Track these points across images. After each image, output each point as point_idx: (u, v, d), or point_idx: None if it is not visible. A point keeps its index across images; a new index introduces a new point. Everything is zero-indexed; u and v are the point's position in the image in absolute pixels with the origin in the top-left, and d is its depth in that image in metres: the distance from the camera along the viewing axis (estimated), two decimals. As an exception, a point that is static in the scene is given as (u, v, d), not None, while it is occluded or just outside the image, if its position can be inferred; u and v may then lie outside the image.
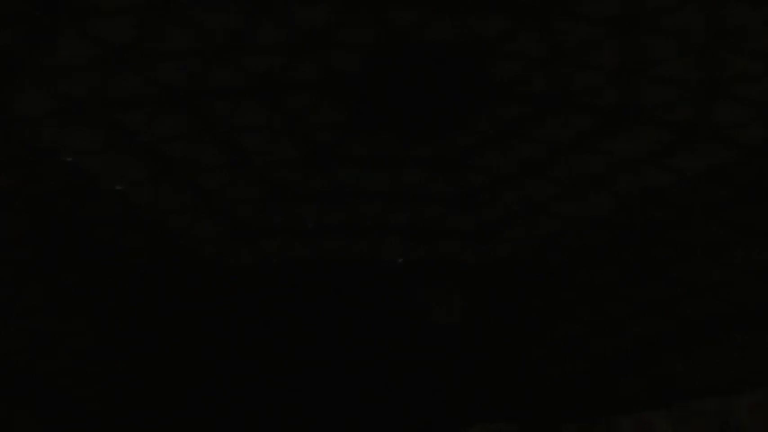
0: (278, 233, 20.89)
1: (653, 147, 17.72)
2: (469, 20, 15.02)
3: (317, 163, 18.70)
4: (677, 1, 14.06)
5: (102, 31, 14.14)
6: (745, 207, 18.90)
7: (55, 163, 16.69)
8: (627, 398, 22.94)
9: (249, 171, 18.57)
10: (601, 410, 22.46)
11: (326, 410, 24.40)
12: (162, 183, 18.22)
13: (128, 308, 21.77)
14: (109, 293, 20.94)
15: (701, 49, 15.09)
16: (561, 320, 24.10)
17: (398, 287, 22.92)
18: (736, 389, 19.94)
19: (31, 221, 17.71)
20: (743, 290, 21.35)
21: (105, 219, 18.76)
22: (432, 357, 24.61)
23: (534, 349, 25.15)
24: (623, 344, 24.07)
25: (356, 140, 18.10)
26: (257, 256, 21.63)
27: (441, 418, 24.34)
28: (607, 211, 19.87)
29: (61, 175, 17.00)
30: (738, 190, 18.54)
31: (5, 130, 15.45)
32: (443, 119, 17.49)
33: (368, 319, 23.97)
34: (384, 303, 23.57)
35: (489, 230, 21.10)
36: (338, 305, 23.79)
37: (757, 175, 17.95)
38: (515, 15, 14.94)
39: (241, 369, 24.45)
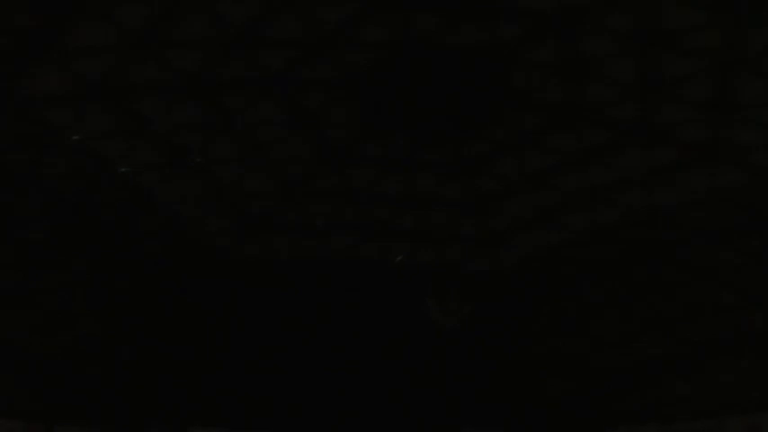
0: (287, 229, 20.91)
1: (664, 164, 17.69)
2: (487, 26, 14.97)
3: (328, 161, 18.70)
4: (696, 19, 13.96)
5: (120, 15, 14.22)
6: (753, 230, 18.80)
7: (67, 146, 16.80)
8: (622, 413, 22.90)
9: (261, 165, 18.61)
10: (595, 423, 22.50)
11: (326, 408, 24.53)
12: (174, 172, 18.32)
13: (136, 298, 21.93)
14: (117, 281, 21.10)
15: (718, 69, 15.04)
16: (562, 331, 24.04)
17: (402, 290, 22.95)
18: (730, 410, 19.95)
19: (42, 204, 17.88)
20: (744, 312, 21.30)
21: (116, 203, 18.89)
22: (431, 361, 24.68)
23: (533, 358, 25.11)
24: (623, 358, 24.00)
25: (369, 141, 18.09)
26: (265, 250, 21.69)
27: (437, 421, 24.40)
28: (615, 225, 19.82)
29: (73, 159, 17.12)
30: (747, 212, 18.43)
31: (20, 110, 15.57)
32: (457, 124, 17.45)
33: (371, 319, 24.05)
34: (387, 305, 23.63)
35: (496, 238, 21.06)
36: (343, 304, 23.84)
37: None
38: (533, 24, 14.89)
39: (242, 364, 24.61)
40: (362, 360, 24.94)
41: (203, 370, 24.84)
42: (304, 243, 21.69)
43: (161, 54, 15.17)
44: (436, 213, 20.37)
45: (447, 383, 24.71)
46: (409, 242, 21.43)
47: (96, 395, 22.82)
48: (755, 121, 15.93)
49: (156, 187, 18.74)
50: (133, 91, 15.93)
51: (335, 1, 14.50)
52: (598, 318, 22.99)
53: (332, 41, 15.36)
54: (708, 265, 20.63)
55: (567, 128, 17.23)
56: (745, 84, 15.16)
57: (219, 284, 23.42)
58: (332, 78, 16.35)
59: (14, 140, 16.16)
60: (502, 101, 16.76)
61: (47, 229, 18.49)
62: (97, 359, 22.62)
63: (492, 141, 18.03)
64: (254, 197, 19.83)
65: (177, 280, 22.48)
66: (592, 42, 15.28)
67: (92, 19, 13.90)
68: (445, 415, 24.71)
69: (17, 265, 18.89)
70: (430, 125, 17.70)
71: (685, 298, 21.55)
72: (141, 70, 15.40)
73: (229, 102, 16.78)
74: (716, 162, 17.22)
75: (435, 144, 18.28)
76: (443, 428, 24.59)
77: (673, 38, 14.31)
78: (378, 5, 14.66)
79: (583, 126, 17.06)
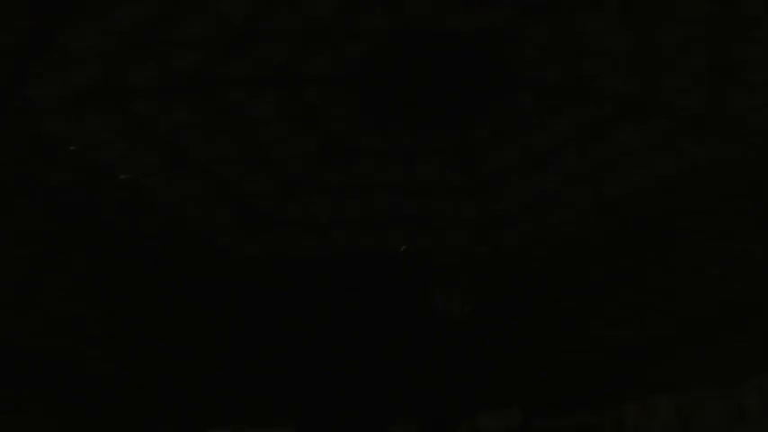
0: (289, 225, 20.82)
1: (665, 136, 17.95)
2: (483, 9, 15.05)
3: (327, 154, 18.67)
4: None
5: (117, 18, 14.14)
6: (757, 198, 19.08)
7: (65, 153, 16.66)
8: (634, 386, 23.07)
9: (261, 162, 18.56)
10: (607, 397, 22.68)
11: (328, 398, 24.57)
12: (174, 172, 18.23)
13: (136, 297, 21.78)
14: (117, 282, 20.94)
15: (715, 36, 15.31)
16: (568, 310, 24.16)
17: (406, 279, 23.02)
18: (743, 375, 20.19)
19: (43, 212, 17.75)
20: (755, 280, 21.67)
21: (116, 208, 18.76)
22: (438, 346, 24.82)
23: (541, 338, 25.27)
24: (631, 334, 24.20)
25: (367, 131, 18.09)
26: (267, 247, 21.61)
27: (446, 405, 24.48)
28: (618, 201, 20.06)
29: (72, 165, 16.98)
30: (751, 181, 18.70)
31: (17, 120, 15.41)
32: (455, 109, 17.48)
33: (376, 310, 24.11)
34: (391, 294, 23.68)
35: (498, 221, 21.16)
36: (346, 297, 23.82)
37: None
38: (528, 4, 14.99)
39: (245, 360, 24.57)
40: (365, 354, 25.00)
41: (206, 370, 24.75)
42: (306, 238, 21.65)
43: (159, 54, 15.10)
44: (437, 200, 20.39)
45: (454, 366, 24.83)
46: (412, 230, 21.40)
47: (100, 399, 22.69)
48: (754, 89, 16.28)
49: (156, 188, 18.66)
50: (131, 92, 15.84)
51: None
52: (603, 294, 23.21)
53: (326, 33, 15.36)
54: (712, 236, 21.03)
55: (565, 106, 17.41)
56: (743, 52, 15.45)
57: (220, 284, 23.34)
58: (329, 70, 16.34)
59: (14, 142, 16.03)
60: (498, 83, 16.85)
61: (47, 230, 18.35)
62: (99, 362, 22.44)
63: (491, 125, 18.12)
64: (254, 194, 19.74)
65: (178, 280, 22.36)
66: (585, 17, 15.45)
67: (90, 19, 13.84)
68: (453, 403, 24.81)
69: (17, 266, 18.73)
70: (428, 113, 17.69)
71: (689, 269, 21.92)
72: (138, 70, 15.32)
73: (228, 100, 16.73)
74: (715, 132, 17.57)
75: (434, 131, 18.29)
76: (451, 417, 24.67)
77: (668, 6, 14.48)
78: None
79: (581, 104, 17.23)
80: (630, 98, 16.94)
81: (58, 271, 19.29)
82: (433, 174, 19.67)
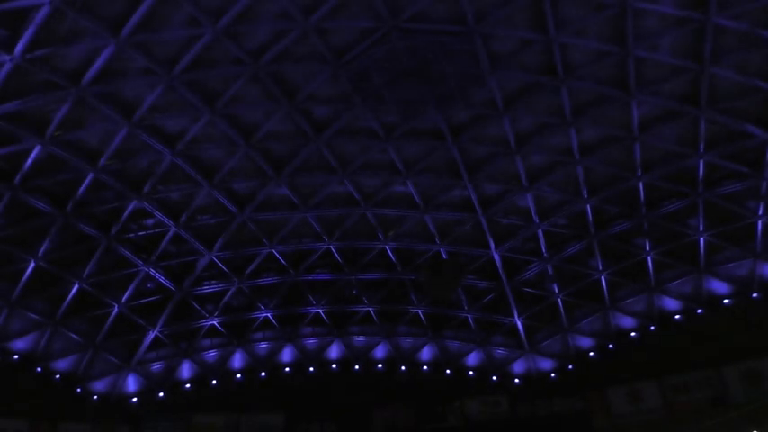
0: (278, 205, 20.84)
1: (647, 118, 18.22)
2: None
3: (314, 135, 18.69)
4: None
5: (102, 5, 14.26)
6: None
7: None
8: (620, 372, 23.12)
9: (247, 144, 18.61)
10: (593, 383, 22.78)
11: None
12: (159, 155, 18.38)
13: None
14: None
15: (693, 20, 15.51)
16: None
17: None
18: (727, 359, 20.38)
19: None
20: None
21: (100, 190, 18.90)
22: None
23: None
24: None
25: (355, 113, 18.11)
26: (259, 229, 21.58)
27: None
28: (602, 181, 20.31)
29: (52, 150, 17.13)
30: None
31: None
32: (440, 91, 17.50)
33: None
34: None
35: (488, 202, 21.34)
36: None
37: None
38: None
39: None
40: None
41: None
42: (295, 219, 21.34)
43: (144, 39, 15.19)
44: (427, 179, 20.38)
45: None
46: (401, 210, 21.34)
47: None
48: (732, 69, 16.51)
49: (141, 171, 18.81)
50: (114, 78, 15.94)
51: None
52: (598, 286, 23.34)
53: (313, 16, 15.37)
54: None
55: (549, 90, 17.53)
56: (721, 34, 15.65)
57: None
58: (314, 53, 16.38)
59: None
60: (482, 68, 16.86)
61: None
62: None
63: (475, 106, 18.15)
64: (241, 174, 19.80)
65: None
66: (566, 4, 15.54)
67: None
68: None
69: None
70: (415, 94, 17.68)
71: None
72: (122, 57, 15.41)
73: (215, 81, 16.82)
74: (696, 111, 17.88)
75: (421, 112, 18.28)
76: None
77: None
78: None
79: (561, 86, 17.29)
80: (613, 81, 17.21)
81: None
82: (420, 155, 19.69)
